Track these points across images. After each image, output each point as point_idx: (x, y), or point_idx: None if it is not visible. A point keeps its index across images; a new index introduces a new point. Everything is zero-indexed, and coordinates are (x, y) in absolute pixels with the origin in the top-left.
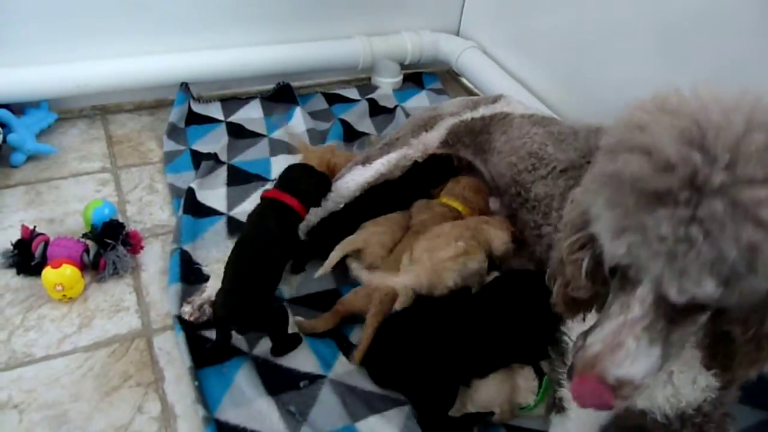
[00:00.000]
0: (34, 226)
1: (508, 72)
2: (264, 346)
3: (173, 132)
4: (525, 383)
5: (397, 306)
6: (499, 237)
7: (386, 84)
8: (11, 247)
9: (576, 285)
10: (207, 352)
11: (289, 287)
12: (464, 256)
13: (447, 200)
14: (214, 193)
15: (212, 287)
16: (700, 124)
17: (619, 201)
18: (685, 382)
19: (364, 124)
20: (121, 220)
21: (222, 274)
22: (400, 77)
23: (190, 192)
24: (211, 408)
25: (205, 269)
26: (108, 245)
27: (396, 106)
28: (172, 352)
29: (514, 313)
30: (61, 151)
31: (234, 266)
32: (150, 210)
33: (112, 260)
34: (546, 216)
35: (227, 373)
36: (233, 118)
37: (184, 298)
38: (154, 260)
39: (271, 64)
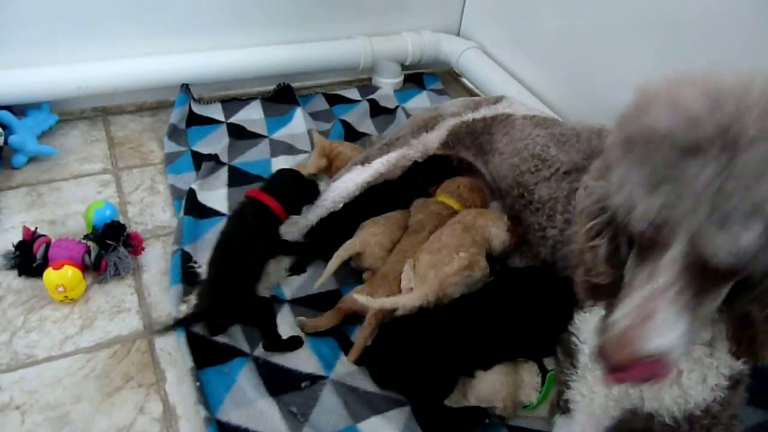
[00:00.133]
0: (36, 228)
1: (508, 72)
2: None
3: (174, 133)
4: (529, 378)
5: (360, 340)
6: (497, 235)
7: (387, 84)
8: (13, 249)
9: (596, 271)
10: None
11: (290, 288)
12: (468, 269)
13: (443, 198)
14: (215, 194)
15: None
16: (722, 86)
17: (650, 157)
18: (695, 382)
19: (365, 125)
20: (122, 222)
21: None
22: (401, 78)
23: (191, 193)
24: (213, 409)
25: (200, 269)
26: (109, 246)
27: (397, 107)
28: (174, 353)
29: (518, 307)
30: (62, 153)
31: (215, 261)
32: (151, 211)
33: (114, 261)
34: (550, 218)
35: (229, 374)
36: (234, 119)
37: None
38: (156, 261)
39: (272, 65)
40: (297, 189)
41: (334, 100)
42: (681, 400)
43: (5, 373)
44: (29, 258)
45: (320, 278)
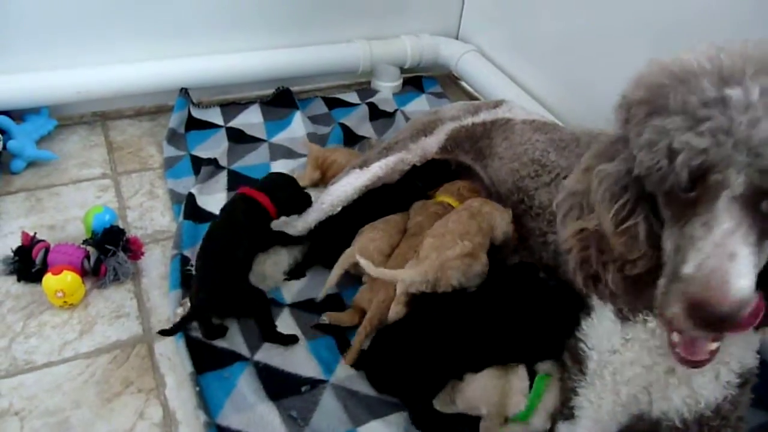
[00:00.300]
0: (35, 233)
1: (507, 75)
2: (265, 351)
3: (173, 137)
4: (519, 383)
5: (392, 314)
6: (500, 224)
7: (386, 88)
8: (12, 254)
9: (632, 257)
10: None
11: (290, 292)
12: (470, 258)
13: (443, 198)
14: (214, 198)
15: None
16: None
17: (686, 97)
18: (707, 380)
19: (364, 128)
20: (121, 226)
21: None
22: (400, 81)
23: (191, 197)
24: (213, 413)
25: None
26: (108, 251)
27: (396, 110)
28: (173, 358)
29: (511, 309)
30: (61, 158)
31: (204, 256)
32: (150, 216)
33: (113, 266)
34: (551, 223)
35: (228, 379)
36: (233, 123)
37: None
38: (155, 266)
39: (271, 69)
40: (290, 191)
41: (333, 103)
42: (691, 401)
43: (4, 379)
44: (28, 263)
45: (323, 289)
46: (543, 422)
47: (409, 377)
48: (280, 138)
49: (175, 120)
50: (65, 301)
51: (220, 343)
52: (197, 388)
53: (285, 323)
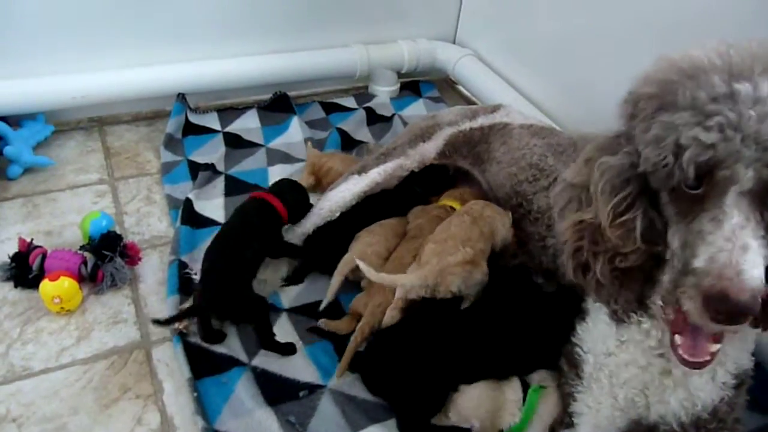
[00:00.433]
0: (32, 239)
1: (504, 79)
2: (263, 357)
3: (170, 143)
4: (513, 395)
5: (384, 323)
6: (500, 231)
7: (383, 92)
8: (8, 260)
9: (626, 250)
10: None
11: (288, 297)
12: (471, 265)
13: (446, 201)
14: (211, 204)
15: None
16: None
17: (695, 93)
18: (704, 381)
19: (362, 133)
20: (118, 232)
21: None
22: (397, 86)
23: (188, 203)
24: (211, 419)
25: (195, 277)
26: (106, 257)
27: (393, 115)
28: (171, 364)
29: (506, 316)
30: (58, 164)
31: (212, 253)
32: (148, 221)
33: (110, 272)
34: (550, 228)
35: (226, 384)
36: (230, 128)
37: None
38: (153, 271)
39: (268, 74)
40: (300, 196)
41: (330, 108)
42: (688, 403)
43: (1, 386)
44: (25, 269)
45: (326, 299)
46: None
47: (404, 385)
48: (277, 143)
49: (173, 125)
50: (62, 307)
51: (217, 348)
52: (195, 394)
53: (283, 328)
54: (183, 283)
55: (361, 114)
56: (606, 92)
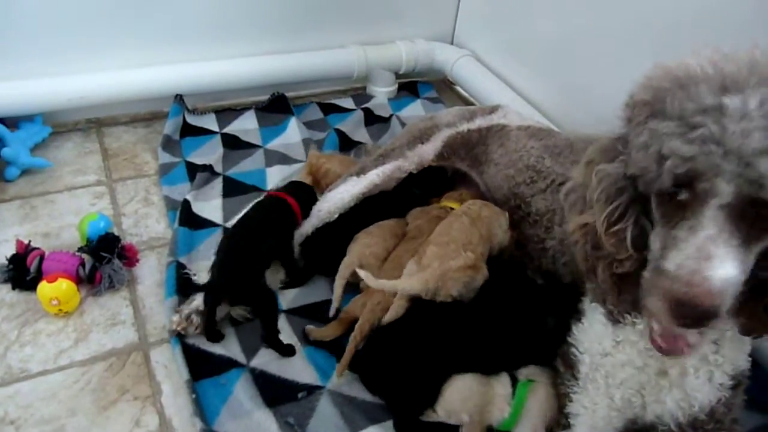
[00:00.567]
0: (29, 241)
1: (502, 80)
2: (261, 358)
3: (168, 144)
4: (502, 390)
5: (388, 317)
6: (498, 234)
7: (381, 93)
8: (6, 262)
9: (620, 257)
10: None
11: (286, 299)
12: (472, 270)
13: (446, 203)
14: (209, 205)
15: (201, 297)
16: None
17: (683, 103)
18: (701, 382)
19: (360, 134)
20: (116, 233)
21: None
22: (395, 86)
23: (186, 204)
24: (209, 421)
25: (195, 278)
26: (104, 259)
27: (391, 116)
28: (170, 365)
29: (498, 315)
30: (55, 165)
31: (228, 241)
32: (146, 223)
33: (108, 274)
34: (548, 230)
35: (225, 385)
36: (228, 130)
37: None
38: (151, 273)
39: (266, 75)
40: (312, 198)
41: (328, 109)
42: (685, 404)
43: None
44: (23, 271)
45: (333, 305)
46: (531, 429)
47: (395, 380)
48: (275, 144)
49: (170, 126)
50: (60, 309)
51: (216, 349)
52: (193, 396)
53: (281, 330)
54: (181, 285)
55: (359, 115)
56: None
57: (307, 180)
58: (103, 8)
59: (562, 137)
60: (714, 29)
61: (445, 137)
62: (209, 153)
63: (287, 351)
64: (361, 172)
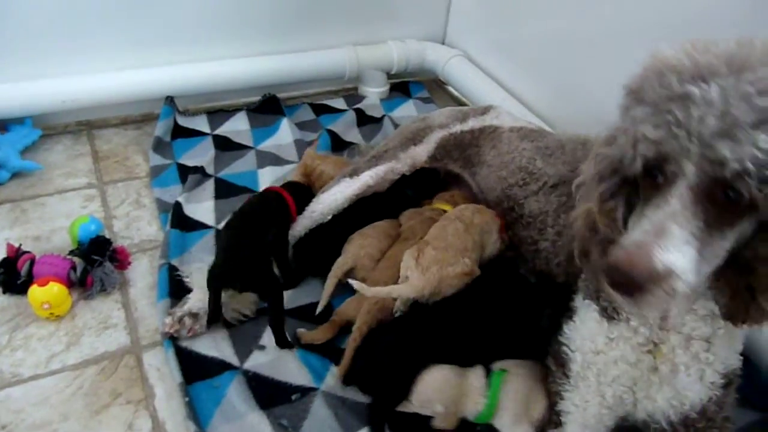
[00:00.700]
0: (20, 244)
1: (494, 79)
2: (255, 360)
3: (159, 146)
4: (477, 382)
5: (399, 304)
6: (488, 245)
7: (373, 93)
8: None
9: (612, 236)
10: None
11: None
12: (468, 277)
13: (440, 205)
14: (201, 207)
15: (194, 299)
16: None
17: (656, 90)
18: (692, 380)
19: (352, 134)
20: (108, 236)
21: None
22: (387, 87)
23: (178, 206)
24: (203, 424)
25: (186, 280)
26: (95, 262)
27: (383, 116)
28: (162, 369)
29: (491, 305)
30: (46, 168)
31: (234, 229)
32: (137, 225)
33: (100, 277)
34: (541, 232)
35: (218, 388)
36: (219, 131)
37: None
38: (143, 276)
39: (257, 76)
40: (309, 198)
41: (320, 110)
42: (676, 402)
43: None
44: (13, 275)
45: (321, 302)
46: (510, 424)
47: (379, 371)
48: (267, 145)
49: (161, 128)
50: (52, 313)
51: (209, 352)
52: (186, 399)
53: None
54: (173, 287)
55: (351, 115)
56: (595, 92)
57: (302, 181)
58: (92, 10)
59: (553, 138)
60: (708, 30)
61: (438, 139)
62: (201, 154)
63: (287, 343)
64: (354, 173)
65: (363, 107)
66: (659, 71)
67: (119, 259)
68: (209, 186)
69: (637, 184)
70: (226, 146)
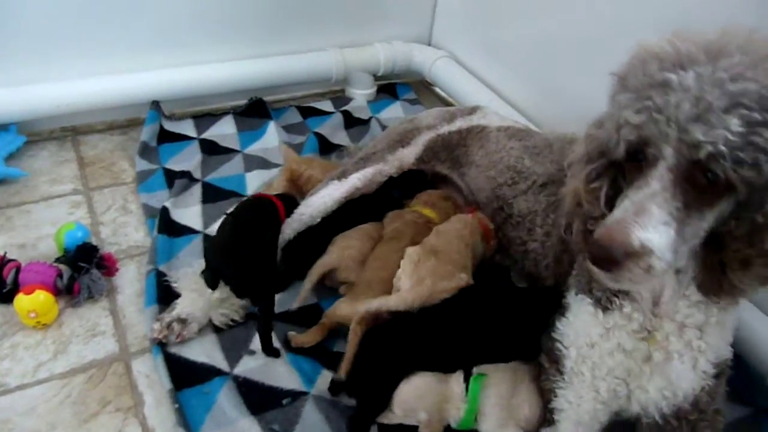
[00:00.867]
0: (5, 252)
1: (481, 80)
2: (245, 365)
3: (145, 151)
4: (458, 387)
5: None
6: (477, 255)
7: (360, 95)
8: None
9: (594, 215)
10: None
11: None
12: (461, 288)
13: (418, 208)
14: (189, 212)
15: (182, 304)
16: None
17: (638, 77)
18: (686, 368)
19: (339, 137)
20: (95, 243)
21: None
22: (374, 88)
23: (165, 211)
24: (194, 430)
25: (175, 285)
26: (82, 269)
27: (370, 118)
28: (152, 375)
29: (482, 311)
30: (31, 175)
31: (228, 227)
32: (124, 231)
33: (87, 284)
34: (531, 232)
35: (208, 394)
36: (206, 135)
37: None
38: (130, 282)
39: (244, 79)
40: (294, 208)
41: (307, 112)
42: (668, 393)
43: None
44: None
45: (299, 296)
46: (494, 428)
47: (375, 377)
48: (254, 148)
49: (147, 133)
50: (38, 321)
51: (198, 358)
52: (176, 405)
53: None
54: (161, 293)
55: (339, 118)
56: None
57: (287, 186)
58: (76, 16)
59: (541, 137)
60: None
61: (426, 141)
62: (187, 159)
63: (273, 351)
64: (343, 176)
65: (350, 109)
66: (643, 59)
67: (106, 265)
68: (196, 190)
69: (623, 167)
70: (212, 150)
